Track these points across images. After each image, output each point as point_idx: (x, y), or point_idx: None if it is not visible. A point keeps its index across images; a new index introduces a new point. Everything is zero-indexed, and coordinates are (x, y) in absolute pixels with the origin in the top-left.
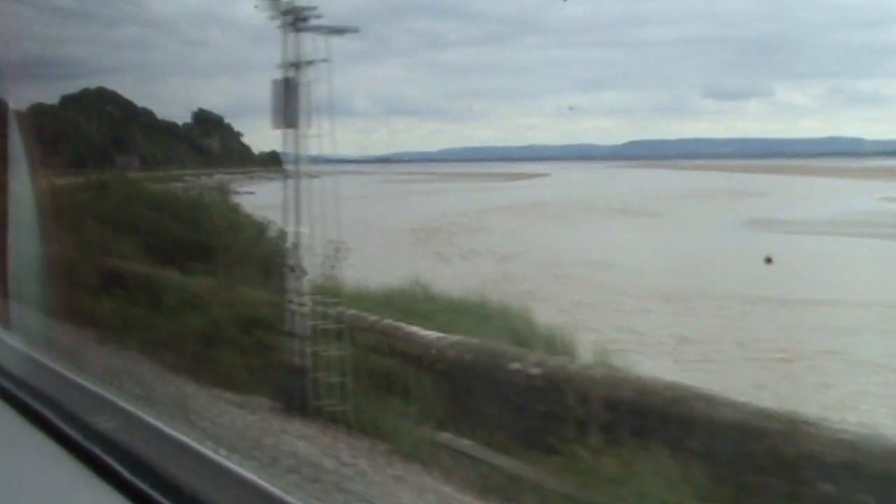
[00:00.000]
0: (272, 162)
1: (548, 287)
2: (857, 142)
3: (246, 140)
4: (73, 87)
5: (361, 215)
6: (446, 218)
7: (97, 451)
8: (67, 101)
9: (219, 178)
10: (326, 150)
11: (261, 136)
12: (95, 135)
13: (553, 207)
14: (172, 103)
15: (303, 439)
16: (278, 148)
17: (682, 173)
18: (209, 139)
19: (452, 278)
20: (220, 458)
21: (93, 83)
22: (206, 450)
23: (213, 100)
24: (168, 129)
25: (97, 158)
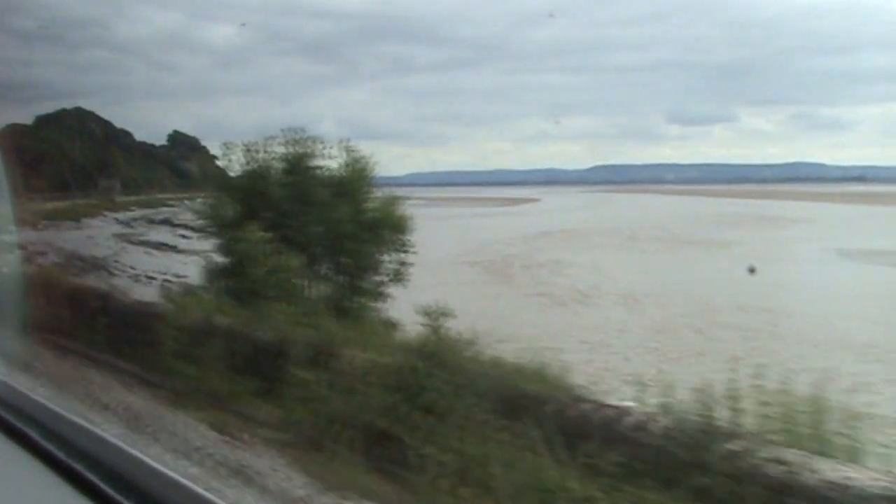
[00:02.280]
0: None
1: (770, 345)
2: (820, 167)
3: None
4: (42, 109)
5: None
6: (493, 247)
7: (79, 468)
8: (45, 121)
9: (199, 201)
10: None
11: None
12: (78, 157)
13: (593, 235)
14: (143, 126)
15: None
16: None
17: (667, 198)
18: (187, 162)
19: (616, 333)
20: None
21: (59, 106)
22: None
23: (182, 123)
24: (146, 151)
25: (80, 181)
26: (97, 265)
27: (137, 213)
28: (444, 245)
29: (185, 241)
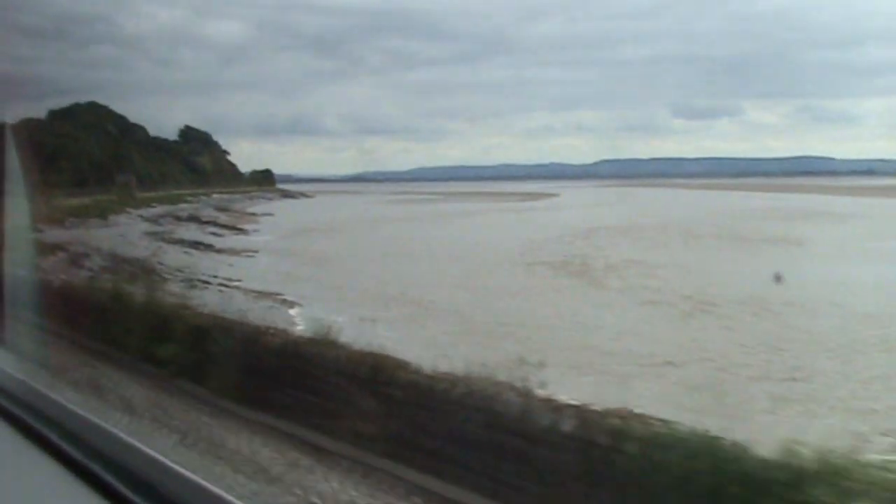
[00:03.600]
0: (265, 181)
1: None
2: (827, 161)
3: (231, 158)
4: (49, 105)
5: (442, 244)
6: (551, 245)
7: (97, 469)
8: (59, 116)
9: (217, 197)
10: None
11: (238, 154)
12: (94, 152)
13: (647, 232)
14: (149, 121)
15: None
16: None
17: (688, 192)
18: (200, 157)
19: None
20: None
21: (65, 102)
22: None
23: (187, 119)
24: (160, 146)
25: (97, 177)
26: (146, 269)
27: (160, 209)
28: (497, 243)
29: (217, 238)
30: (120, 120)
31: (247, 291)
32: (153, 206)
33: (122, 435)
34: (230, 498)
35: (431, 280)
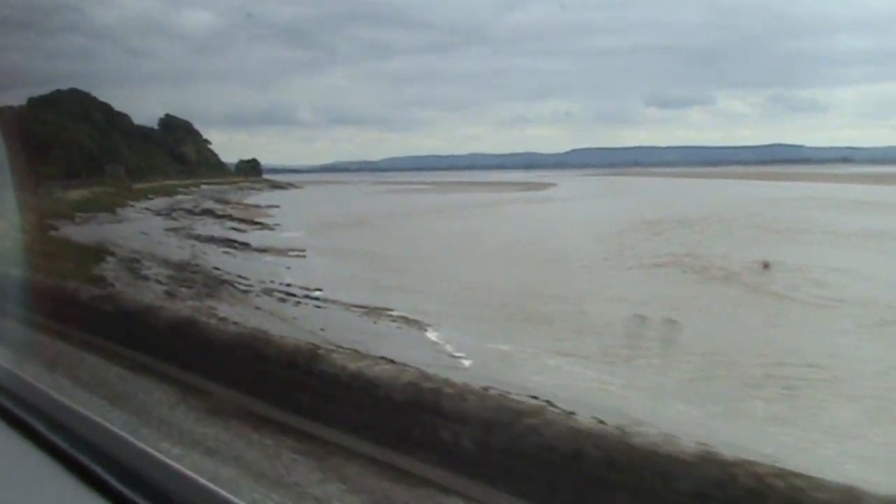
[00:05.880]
0: (252, 171)
1: None
2: (797, 149)
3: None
4: (22, 95)
5: (495, 240)
6: (629, 242)
7: (85, 460)
8: (40, 103)
9: (206, 188)
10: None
11: (216, 144)
12: (82, 141)
13: (706, 223)
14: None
15: None
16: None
17: (681, 181)
18: (184, 147)
19: None
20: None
21: (34, 93)
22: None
23: (159, 108)
24: (145, 135)
25: (88, 167)
26: (212, 278)
27: (160, 201)
28: (560, 238)
29: (243, 234)
30: (105, 108)
31: (346, 306)
32: (151, 198)
33: (112, 427)
34: (219, 490)
35: (538, 287)
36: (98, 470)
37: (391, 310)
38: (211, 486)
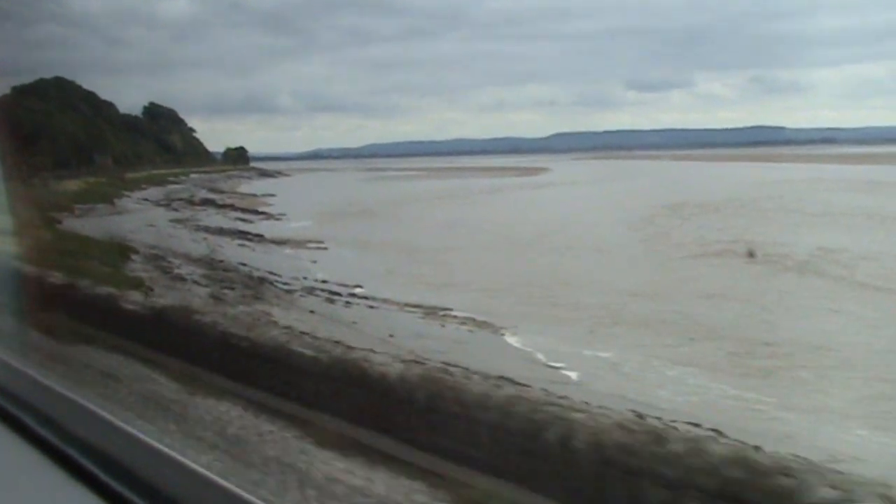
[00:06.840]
0: (240, 159)
1: None
2: (779, 130)
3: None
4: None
5: (523, 228)
6: (665, 229)
7: (75, 455)
8: (24, 92)
9: (196, 177)
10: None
11: (198, 132)
12: (71, 130)
13: (742, 209)
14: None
15: None
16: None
17: (675, 164)
18: (170, 135)
19: None
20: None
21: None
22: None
23: (137, 97)
24: (130, 124)
25: (77, 157)
26: (247, 276)
27: (154, 191)
28: (588, 226)
29: (251, 225)
30: (90, 97)
31: (400, 306)
32: (144, 188)
33: (103, 413)
34: (212, 476)
35: (600, 281)
36: (86, 463)
37: (451, 310)
38: (200, 470)
